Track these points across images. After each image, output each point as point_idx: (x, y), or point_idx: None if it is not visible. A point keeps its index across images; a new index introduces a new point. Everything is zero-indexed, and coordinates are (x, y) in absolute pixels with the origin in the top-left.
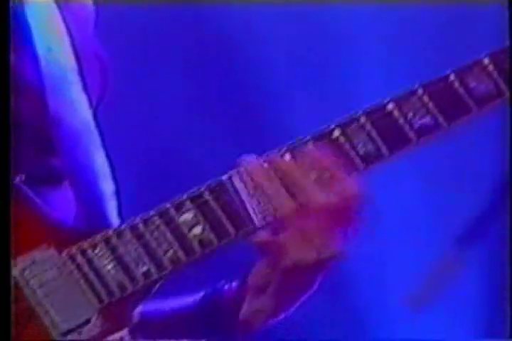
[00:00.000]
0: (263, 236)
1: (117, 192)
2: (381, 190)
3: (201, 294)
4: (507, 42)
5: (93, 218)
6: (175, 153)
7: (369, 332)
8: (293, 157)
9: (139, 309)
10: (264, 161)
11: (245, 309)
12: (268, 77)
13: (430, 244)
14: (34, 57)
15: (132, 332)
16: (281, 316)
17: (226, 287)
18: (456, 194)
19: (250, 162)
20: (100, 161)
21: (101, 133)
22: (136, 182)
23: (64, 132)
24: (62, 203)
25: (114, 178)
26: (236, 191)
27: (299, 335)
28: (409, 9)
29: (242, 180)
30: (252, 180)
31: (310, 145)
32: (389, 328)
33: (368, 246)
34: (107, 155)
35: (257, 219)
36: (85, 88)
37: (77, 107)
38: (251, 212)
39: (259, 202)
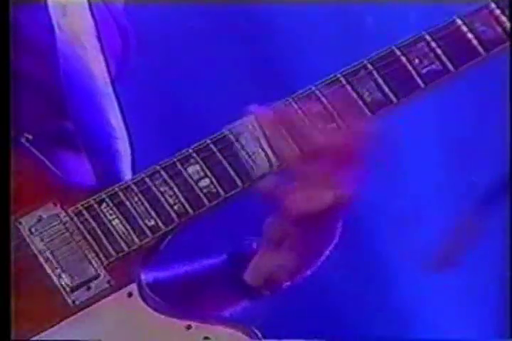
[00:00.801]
0: (269, 183)
1: (132, 153)
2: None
3: (225, 255)
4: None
5: (107, 178)
6: (189, 113)
7: (386, 289)
8: (299, 106)
9: (164, 275)
10: (269, 111)
11: (265, 266)
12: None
13: (451, 206)
14: (46, 21)
15: (143, 291)
16: (307, 272)
17: (254, 244)
18: (480, 155)
19: (255, 111)
20: (115, 122)
21: (117, 95)
22: (150, 143)
23: (77, 94)
24: (77, 165)
25: (130, 139)
26: (240, 142)
27: (315, 293)
28: (408, 9)
29: (246, 130)
30: (257, 129)
31: (316, 95)
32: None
33: (392, 202)
34: (123, 116)
35: (263, 169)
36: (103, 52)
37: (93, 70)
38: (256, 162)
39: (265, 152)
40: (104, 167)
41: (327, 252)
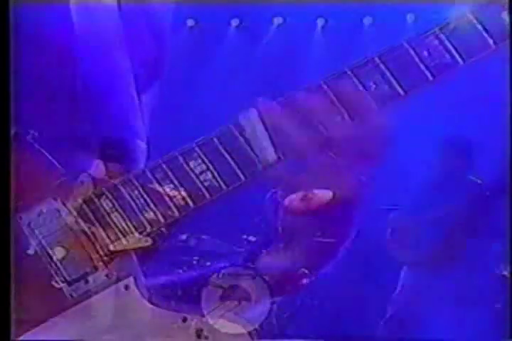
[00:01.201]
0: (276, 172)
1: (148, 151)
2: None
3: (242, 257)
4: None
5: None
6: (196, 114)
7: (385, 290)
8: (304, 99)
9: (171, 278)
10: (274, 104)
11: (275, 265)
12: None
13: (450, 205)
14: (66, 20)
15: (140, 284)
16: (320, 272)
17: (265, 242)
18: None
19: (259, 105)
20: (138, 125)
21: (140, 98)
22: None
23: (98, 96)
24: (85, 164)
25: (148, 141)
26: (244, 136)
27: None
28: (408, 9)
29: (250, 123)
30: (266, 120)
31: (322, 87)
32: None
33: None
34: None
35: (266, 163)
36: (132, 61)
37: (118, 77)
38: (260, 156)
39: (269, 146)
40: (121, 168)
41: (340, 252)
